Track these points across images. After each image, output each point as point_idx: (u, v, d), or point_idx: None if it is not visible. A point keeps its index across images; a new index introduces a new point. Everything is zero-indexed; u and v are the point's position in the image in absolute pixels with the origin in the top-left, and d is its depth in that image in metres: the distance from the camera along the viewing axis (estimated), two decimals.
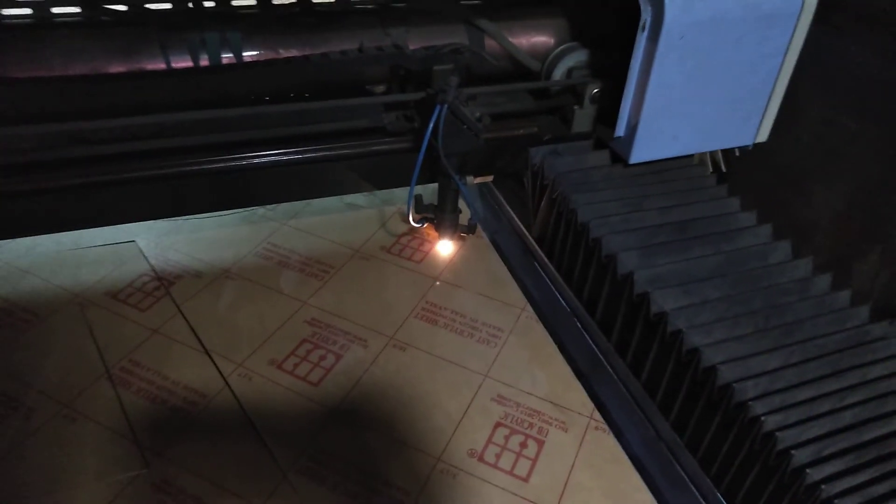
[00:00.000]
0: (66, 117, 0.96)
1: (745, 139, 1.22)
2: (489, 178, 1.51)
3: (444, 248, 1.35)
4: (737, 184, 1.24)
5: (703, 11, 1.02)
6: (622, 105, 1.11)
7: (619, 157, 1.20)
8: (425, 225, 1.24)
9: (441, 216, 1.20)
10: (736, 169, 1.32)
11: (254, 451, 0.98)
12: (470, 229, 1.22)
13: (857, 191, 1.14)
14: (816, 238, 1.22)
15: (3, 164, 0.92)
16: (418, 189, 1.13)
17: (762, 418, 0.83)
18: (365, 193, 1.51)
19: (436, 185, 1.19)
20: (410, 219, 1.19)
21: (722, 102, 1.14)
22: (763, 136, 1.22)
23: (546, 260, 1.29)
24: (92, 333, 1.16)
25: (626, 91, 1.09)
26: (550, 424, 1.05)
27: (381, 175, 1.23)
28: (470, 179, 1.44)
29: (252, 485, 0.94)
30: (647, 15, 1.01)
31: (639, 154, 1.15)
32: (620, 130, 1.14)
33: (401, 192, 1.49)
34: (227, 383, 1.08)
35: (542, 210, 1.25)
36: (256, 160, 1.05)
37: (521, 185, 1.32)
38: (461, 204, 1.22)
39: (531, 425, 1.05)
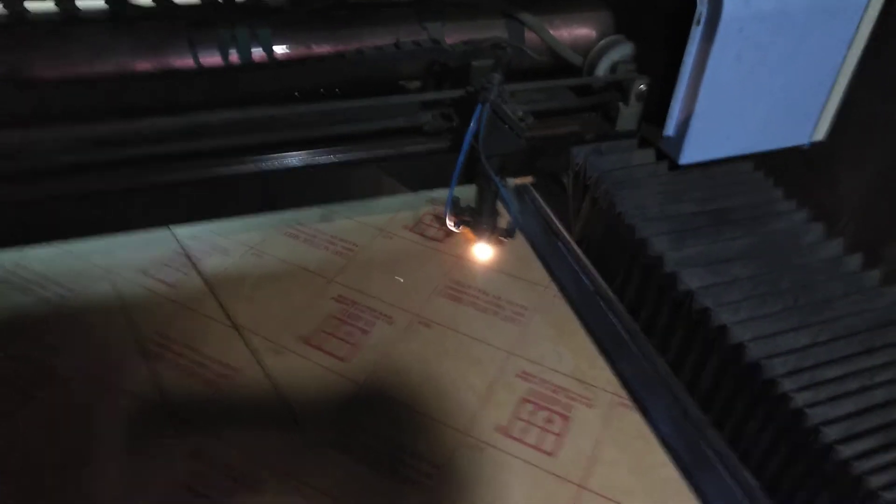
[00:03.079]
0: (91, 118, 0.94)
1: (801, 138, 1.16)
2: (528, 180, 1.46)
3: (482, 251, 1.30)
4: (763, 165, 1.22)
5: (764, 4, 0.96)
6: (672, 103, 1.06)
7: (665, 156, 1.16)
8: (462, 228, 1.19)
9: (479, 219, 1.15)
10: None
11: (283, 422, 1.00)
12: (509, 233, 1.18)
13: (886, 172, 1.12)
14: (844, 220, 1.21)
15: (26, 168, 0.90)
16: (455, 191, 1.08)
17: (791, 395, 0.83)
18: None
19: (472, 186, 1.15)
20: (448, 222, 1.15)
21: (779, 100, 1.09)
22: (820, 135, 1.17)
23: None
24: (124, 308, 1.18)
25: (677, 88, 1.04)
26: (576, 400, 1.06)
27: (418, 176, 1.18)
28: (510, 181, 1.39)
29: (281, 455, 0.96)
30: (703, 7, 0.96)
31: (689, 155, 1.09)
32: (670, 130, 1.09)
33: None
34: (256, 357, 1.10)
35: (584, 210, 1.21)
36: (289, 162, 1.03)
37: (562, 185, 1.28)
38: (499, 206, 1.18)
39: (556, 401, 1.06)
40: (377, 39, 1.09)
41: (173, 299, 1.21)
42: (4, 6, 0.98)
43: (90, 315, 1.17)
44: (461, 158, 0.99)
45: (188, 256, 1.30)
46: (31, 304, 1.18)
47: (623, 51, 1.15)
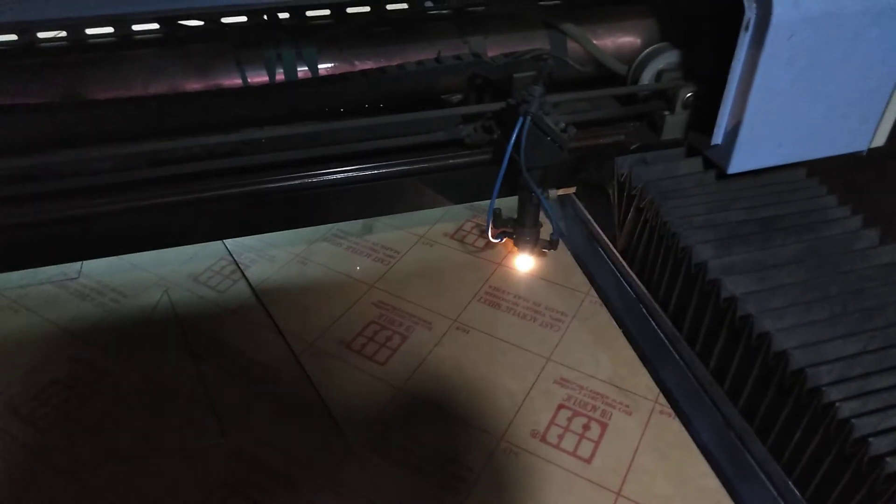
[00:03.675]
0: (144, 137, 0.98)
1: (858, 144, 1.11)
2: (571, 190, 1.44)
3: (524, 263, 1.30)
4: (817, 172, 1.17)
5: (815, 6, 0.92)
6: (721, 111, 1.02)
7: (713, 164, 1.12)
8: (504, 240, 1.18)
9: (521, 231, 1.14)
10: None
11: (323, 425, 1.02)
12: (552, 245, 1.16)
13: None
14: None
15: (81, 186, 0.95)
16: (496, 202, 1.09)
17: (837, 405, 0.79)
18: None
19: (515, 198, 1.14)
20: (489, 234, 1.14)
21: (834, 105, 1.04)
22: (880, 141, 1.11)
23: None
24: (175, 313, 1.23)
25: (725, 95, 1.00)
26: (614, 407, 1.05)
27: (459, 189, 1.18)
28: (552, 193, 1.37)
29: (321, 457, 0.98)
30: (751, 13, 0.92)
31: (739, 163, 1.06)
32: (718, 138, 1.05)
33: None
34: (298, 361, 1.13)
35: (629, 221, 1.19)
36: (333, 176, 1.04)
37: (606, 196, 1.25)
38: (542, 217, 1.17)
39: (594, 408, 1.04)
40: (419, 54, 1.10)
41: (221, 305, 1.25)
42: (67, 32, 1.05)
43: (143, 319, 1.22)
44: (502, 171, 0.99)
45: (237, 264, 1.35)
46: (89, 309, 1.24)
47: (668, 58, 1.13)
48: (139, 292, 1.28)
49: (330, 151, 1.04)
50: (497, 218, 1.15)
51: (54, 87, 1.00)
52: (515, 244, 1.18)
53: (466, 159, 1.09)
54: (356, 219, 1.45)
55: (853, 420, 0.78)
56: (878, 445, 0.76)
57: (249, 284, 1.30)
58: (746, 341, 0.93)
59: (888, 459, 0.75)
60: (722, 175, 1.12)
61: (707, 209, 1.09)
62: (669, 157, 1.18)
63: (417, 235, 1.42)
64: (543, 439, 1.00)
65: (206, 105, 1.05)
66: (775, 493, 0.88)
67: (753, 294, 0.96)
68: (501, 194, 1.04)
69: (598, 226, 1.33)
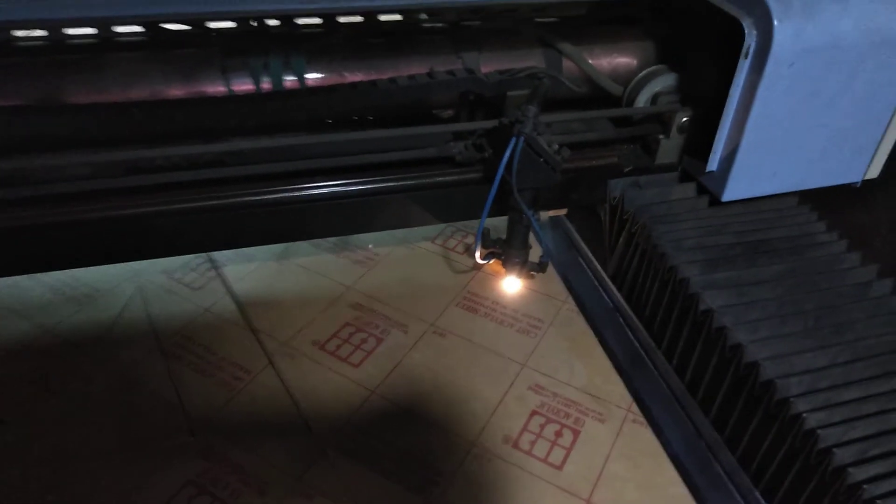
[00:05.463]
0: (123, 144, 0.95)
1: (853, 175, 1.11)
2: (562, 212, 1.43)
3: (511, 285, 1.28)
4: (808, 200, 1.18)
5: (817, 37, 0.91)
6: (717, 137, 1.01)
7: (707, 191, 1.11)
8: (492, 261, 1.16)
9: (509, 252, 1.11)
10: None
11: (294, 426, 1.01)
12: (541, 268, 1.13)
13: None
14: (877, 243, 1.17)
15: (56, 193, 0.91)
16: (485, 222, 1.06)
17: (804, 415, 0.81)
18: None
19: (503, 217, 1.10)
20: (477, 255, 1.11)
21: (830, 136, 1.04)
22: (874, 172, 1.11)
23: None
24: (147, 309, 1.21)
25: (722, 122, 0.99)
26: (587, 415, 1.05)
27: (447, 207, 1.15)
28: (543, 215, 1.34)
29: (290, 459, 0.97)
30: (751, 40, 0.91)
31: (733, 191, 1.05)
32: (713, 165, 1.04)
33: None
34: (270, 361, 1.12)
35: (620, 245, 1.18)
36: (318, 191, 1.00)
37: (597, 218, 1.24)
38: (532, 239, 1.14)
39: (567, 415, 1.05)
40: (411, 68, 1.07)
41: (195, 302, 1.24)
42: (47, 32, 1.02)
43: (115, 314, 1.20)
44: (492, 191, 0.97)
45: (211, 261, 1.34)
46: (59, 302, 1.22)
47: (665, 81, 1.11)
48: (112, 287, 1.26)
49: (316, 165, 1.00)
50: (485, 238, 1.12)
51: (30, 88, 0.97)
52: (503, 266, 1.14)
53: (456, 177, 1.06)
54: (341, 235, 1.42)
55: (819, 431, 0.79)
56: (842, 456, 0.77)
57: (224, 282, 1.28)
58: (720, 352, 0.94)
59: (850, 469, 0.76)
60: (715, 201, 1.11)
61: (698, 233, 1.08)
62: (663, 182, 1.16)
63: (397, 239, 1.42)
64: (516, 445, 1.00)
65: (188, 113, 1.01)
66: (743, 502, 0.89)
67: (731, 307, 0.97)
68: (490, 214, 1.01)
69: (588, 247, 1.32)
